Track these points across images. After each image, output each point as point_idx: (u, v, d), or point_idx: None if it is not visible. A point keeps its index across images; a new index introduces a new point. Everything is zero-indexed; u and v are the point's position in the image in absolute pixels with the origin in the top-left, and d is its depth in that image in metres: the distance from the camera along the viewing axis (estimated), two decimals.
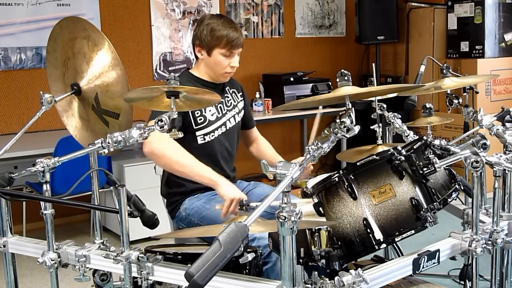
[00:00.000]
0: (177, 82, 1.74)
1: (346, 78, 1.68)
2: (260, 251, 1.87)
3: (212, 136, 2.49)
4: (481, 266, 1.68)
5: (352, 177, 1.62)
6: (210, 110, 2.49)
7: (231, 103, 2.61)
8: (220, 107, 2.54)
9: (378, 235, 1.58)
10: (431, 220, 1.58)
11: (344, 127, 1.54)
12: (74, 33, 2.03)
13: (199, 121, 2.45)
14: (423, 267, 1.60)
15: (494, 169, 1.65)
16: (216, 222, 2.27)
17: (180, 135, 1.72)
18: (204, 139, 2.47)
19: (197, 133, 2.46)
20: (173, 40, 5.16)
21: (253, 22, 5.61)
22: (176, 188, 2.52)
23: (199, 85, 2.46)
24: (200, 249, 1.89)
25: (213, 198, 2.48)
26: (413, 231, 1.59)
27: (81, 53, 2.00)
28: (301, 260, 1.67)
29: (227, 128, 2.55)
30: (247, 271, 1.73)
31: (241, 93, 2.71)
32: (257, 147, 2.80)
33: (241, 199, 2.01)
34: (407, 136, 2.38)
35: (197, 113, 2.45)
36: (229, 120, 2.57)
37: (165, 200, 2.60)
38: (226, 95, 2.61)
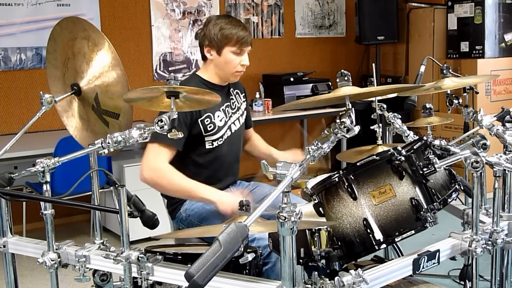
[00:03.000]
0: (177, 83, 1.74)
1: (346, 78, 1.69)
2: (260, 251, 1.86)
3: (220, 141, 2.48)
4: (481, 266, 1.68)
5: (352, 177, 1.62)
6: (218, 116, 2.47)
7: (235, 105, 2.60)
8: (226, 110, 2.53)
9: (378, 235, 1.58)
10: (431, 220, 1.59)
11: (344, 127, 1.54)
12: (74, 33, 2.03)
13: (209, 129, 2.43)
14: (423, 267, 1.60)
15: (494, 169, 1.65)
16: (216, 224, 2.27)
17: (180, 135, 1.72)
18: (212, 144, 2.46)
19: (206, 139, 2.44)
20: (173, 40, 5.16)
21: (253, 22, 5.61)
22: None
23: (206, 88, 2.46)
24: (200, 249, 1.89)
25: None
26: (413, 231, 1.59)
27: (81, 53, 2.00)
28: (301, 260, 1.67)
29: (232, 131, 2.54)
30: (247, 271, 1.72)
31: (243, 94, 2.70)
32: (251, 145, 2.81)
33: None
34: (407, 136, 2.38)
35: (207, 121, 2.42)
36: (234, 123, 2.56)
37: (166, 200, 2.60)
38: (231, 97, 2.60)
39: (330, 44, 6.13)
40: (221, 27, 2.42)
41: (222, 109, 2.50)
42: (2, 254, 1.91)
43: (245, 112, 2.67)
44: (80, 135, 2.17)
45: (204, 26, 2.49)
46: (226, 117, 2.52)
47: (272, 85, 5.39)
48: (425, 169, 1.63)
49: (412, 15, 5.77)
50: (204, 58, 2.52)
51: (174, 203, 2.53)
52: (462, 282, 2.09)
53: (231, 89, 2.62)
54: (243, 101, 2.68)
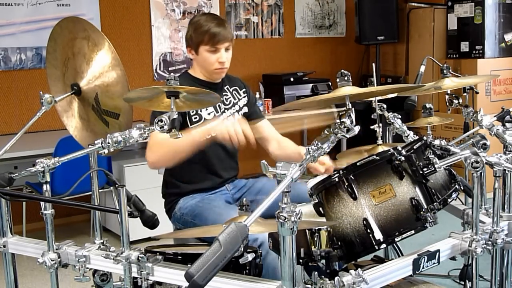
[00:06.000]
0: (177, 82, 1.74)
1: (346, 78, 1.68)
2: (260, 252, 1.86)
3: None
4: (481, 266, 1.68)
5: (352, 177, 1.62)
6: (207, 109, 2.48)
7: (230, 101, 2.60)
8: (218, 105, 2.53)
9: (378, 235, 1.58)
10: (431, 220, 1.59)
11: (344, 127, 1.54)
12: (74, 33, 2.03)
13: (194, 120, 2.44)
14: (423, 267, 1.60)
15: (494, 169, 1.65)
16: (209, 220, 2.28)
17: (180, 135, 1.72)
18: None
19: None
20: (173, 40, 5.16)
21: (253, 22, 5.61)
22: (172, 189, 2.53)
23: (198, 85, 2.46)
24: (200, 249, 1.89)
25: (207, 197, 2.47)
26: (413, 231, 1.59)
27: (81, 53, 2.00)
28: (301, 260, 1.67)
29: None
30: (247, 271, 1.72)
31: (244, 89, 2.68)
32: (279, 145, 2.65)
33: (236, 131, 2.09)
34: (407, 136, 2.38)
35: (192, 112, 2.44)
36: (227, 118, 2.56)
37: (164, 200, 2.61)
38: (224, 93, 2.60)
39: (330, 44, 6.13)
40: (196, 26, 2.44)
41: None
42: (2, 254, 1.91)
43: (245, 107, 2.64)
44: (80, 135, 2.17)
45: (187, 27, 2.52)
46: (217, 112, 2.51)
47: (272, 85, 5.39)
48: (425, 169, 1.63)
49: (412, 15, 5.77)
50: (190, 58, 2.56)
51: (169, 202, 2.54)
52: (462, 282, 2.09)
53: (226, 86, 2.61)
54: (243, 97, 2.65)
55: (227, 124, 2.17)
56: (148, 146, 2.29)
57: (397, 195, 1.60)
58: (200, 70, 2.53)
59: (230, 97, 2.60)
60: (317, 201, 1.70)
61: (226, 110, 2.56)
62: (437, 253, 1.62)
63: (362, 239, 1.59)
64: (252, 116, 2.68)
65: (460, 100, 2.39)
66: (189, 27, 2.48)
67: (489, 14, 5.11)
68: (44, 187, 1.75)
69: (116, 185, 1.61)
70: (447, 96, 2.41)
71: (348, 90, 1.67)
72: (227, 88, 2.62)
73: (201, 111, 2.46)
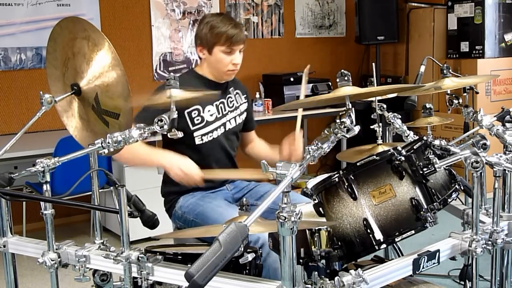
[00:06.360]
0: (177, 82, 1.75)
1: (346, 78, 1.68)
2: (260, 252, 1.86)
3: (210, 136, 2.48)
4: (481, 266, 1.68)
5: (352, 177, 1.62)
6: (209, 110, 2.48)
7: (233, 104, 2.60)
8: (220, 107, 2.53)
9: (378, 235, 1.58)
10: (431, 220, 1.59)
11: (344, 127, 1.54)
12: (74, 33, 2.03)
13: (196, 122, 2.44)
14: (423, 267, 1.60)
15: (494, 169, 1.65)
16: (210, 219, 2.28)
17: (180, 135, 1.72)
18: (202, 139, 2.47)
19: (195, 134, 2.45)
20: (173, 40, 5.16)
21: (253, 22, 5.61)
22: (171, 186, 2.52)
23: (202, 83, 2.46)
24: (200, 249, 1.89)
25: (207, 195, 2.48)
26: (413, 232, 1.59)
27: (81, 53, 2.00)
28: (301, 260, 1.67)
29: (227, 129, 2.54)
30: (247, 271, 1.72)
31: (245, 95, 2.69)
32: (253, 147, 2.77)
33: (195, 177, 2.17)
34: (407, 136, 2.38)
35: (194, 113, 2.44)
36: (229, 121, 2.56)
37: (163, 199, 2.61)
38: (229, 95, 2.59)
39: (330, 44, 6.13)
40: (212, 25, 2.42)
41: (216, 105, 2.49)
42: (2, 254, 1.91)
43: (244, 113, 2.65)
44: (80, 135, 2.16)
45: (198, 25, 2.51)
46: (219, 113, 2.51)
47: (272, 85, 5.39)
48: (425, 169, 1.63)
49: (412, 15, 5.77)
50: (200, 57, 2.54)
51: (169, 201, 2.54)
52: (462, 282, 2.09)
53: (231, 88, 2.61)
54: (244, 102, 2.66)
55: (179, 164, 2.23)
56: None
57: (397, 195, 1.60)
58: (210, 70, 2.51)
59: (233, 100, 2.60)
60: (317, 201, 1.70)
61: (229, 113, 2.56)
62: (437, 253, 1.62)
63: (362, 239, 1.59)
64: (249, 124, 2.72)
65: (460, 100, 2.39)
66: (203, 27, 2.45)
67: (489, 14, 5.11)
68: (44, 187, 1.74)
69: (116, 185, 1.61)
70: (447, 96, 2.41)
71: (348, 90, 1.67)
72: (232, 90, 2.62)
73: (203, 112, 2.45)
